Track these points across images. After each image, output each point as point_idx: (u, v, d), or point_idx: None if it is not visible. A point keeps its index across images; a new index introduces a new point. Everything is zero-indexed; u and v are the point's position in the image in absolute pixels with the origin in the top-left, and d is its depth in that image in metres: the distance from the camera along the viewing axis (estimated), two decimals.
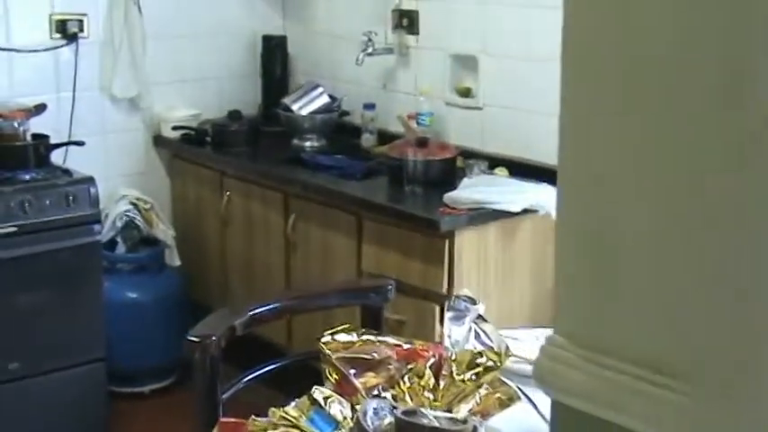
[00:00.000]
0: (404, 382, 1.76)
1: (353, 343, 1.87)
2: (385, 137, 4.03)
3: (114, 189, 4.10)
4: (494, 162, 3.60)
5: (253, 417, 1.66)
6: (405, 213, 3.29)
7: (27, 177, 3.56)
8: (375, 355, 1.82)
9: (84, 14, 4.06)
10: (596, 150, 1.00)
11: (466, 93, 3.86)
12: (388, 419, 1.57)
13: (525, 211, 3.23)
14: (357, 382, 1.76)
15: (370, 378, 1.77)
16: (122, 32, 4.09)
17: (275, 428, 1.64)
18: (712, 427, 0.91)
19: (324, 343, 1.85)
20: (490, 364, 1.73)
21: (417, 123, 3.84)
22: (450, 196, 3.24)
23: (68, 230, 3.54)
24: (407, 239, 3.26)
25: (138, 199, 4.06)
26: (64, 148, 3.89)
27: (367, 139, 4.13)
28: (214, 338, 1.90)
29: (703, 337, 0.91)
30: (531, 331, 2.14)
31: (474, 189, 3.29)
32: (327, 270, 3.58)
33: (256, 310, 2.04)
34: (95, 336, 3.65)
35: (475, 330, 1.82)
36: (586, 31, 0.98)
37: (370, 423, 1.55)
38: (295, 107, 4.22)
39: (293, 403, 1.73)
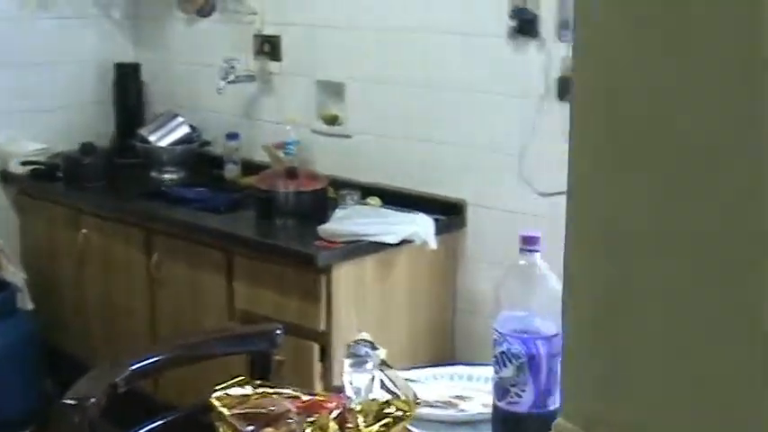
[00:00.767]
0: None
1: (248, 397, 1.75)
2: (250, 167, 3.91)
3: None
4: (366, 191, 3.54)
5: None
6: (278, 248, 3.19)
7: None
8: (273, 408, 1.71)
9: None
10: (608, 207, 0.90)
11: (333, 120, 3.79)
12: None
13: (402, 242, 3.18)
14: None
15: None
16: None
17: None
18: None
19: (216, 398, 1.72)
20: (399, 413, 1.65)
21: (284, 153, 3.74)
22: (324, 229, 3.16)
23: None
24: (282, 275, 3.16)
25: None
26: None
27: (230, 170, 4.01)
28: (93, 400, 1.75)
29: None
30: (428, 371, 2.07)
31: (349, 221, 3.21)
32: (197, 311, 3.43)
33: (138, 365, 1.89)
34: None
35: (379, 377, 1.73)
36: (594, 82, 0.90)
37: None
38: (153, 138, 4.05)
39: None
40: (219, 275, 3.35)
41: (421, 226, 3.21)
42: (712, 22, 0.77)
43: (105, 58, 4.35)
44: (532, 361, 1.67)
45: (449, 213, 3.41)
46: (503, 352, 1.70)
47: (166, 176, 4.02)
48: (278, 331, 2.11)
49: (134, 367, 1.88)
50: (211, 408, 1.72)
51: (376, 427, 1.65)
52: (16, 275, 3.84)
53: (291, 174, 3.53)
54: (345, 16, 3.65)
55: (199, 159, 4.10)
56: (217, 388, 1.75)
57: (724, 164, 0.79)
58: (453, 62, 3.37)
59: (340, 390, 1.85)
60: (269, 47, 3.92)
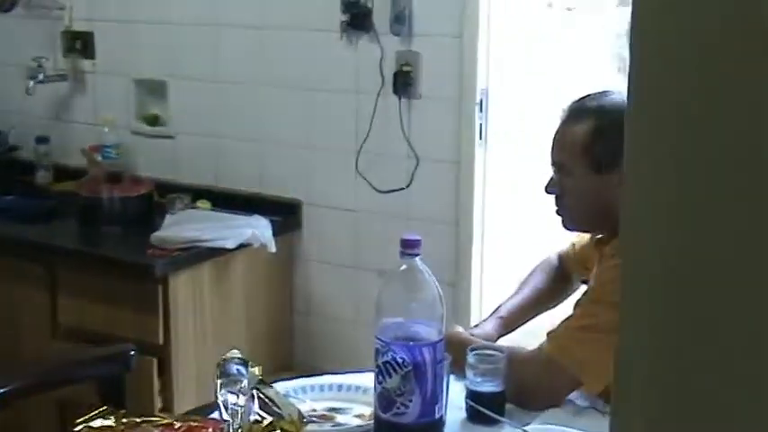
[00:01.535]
0: None
1: (113, 429, 1.62)
2: (65, 173, 3.67)
3: None
4: (195, 194, 3.39)
5: None
6: (108, 258, 3.00)
7: None
8: None
9: None
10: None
11: (154, 120, 3.61)
12: None
13: (238, 246, 3.06)
14: None
15: None
16: None
17: None
18: None
19: None
20: None
21: (103, 157, 3.52)
22: (158, 236, 2.99)
23: None
24: (113, 287, 2.97)
25: None
26: None
27: (43, 177, 3.75)
28: None
29: None
30: (295, 383, 1.98)
31: (183, 227, 3.07)
32: (18, 331, 3.17)
33: None
34: None
35: (257, 397, 1.63)
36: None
37: None
38: None
39: None
40: (40, 291, 3.11)
41: (258, 228, 3.11)
42: None
43: None
44: (418, 369, 1.62)
45: (284, 214, 3.32)
46: (387, 362, 1.63)
47: None
48: (131, 352, 1.97)
49: None
50: None
51: None
52: None
53: (114, 178, 3.34)
54: (165, 10, 3.47)
55: (7, 165, 3.81)
56: (78, 421, 1.60)
57: None
58: (284, 58, 3.27)
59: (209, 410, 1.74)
60: (80, 44, 3.68)
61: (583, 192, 1.95)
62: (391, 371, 1.63)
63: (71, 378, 1.97)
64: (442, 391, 1.66)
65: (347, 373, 2.04)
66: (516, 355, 1.87)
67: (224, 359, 1.73)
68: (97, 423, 1.61)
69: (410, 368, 1.62)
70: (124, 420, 1.63)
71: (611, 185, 1.89)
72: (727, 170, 0.71)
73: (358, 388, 1.91)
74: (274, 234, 3.15)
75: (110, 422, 1.62)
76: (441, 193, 3.08)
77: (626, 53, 3.37)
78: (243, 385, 1.66)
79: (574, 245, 2.28)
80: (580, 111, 1.97)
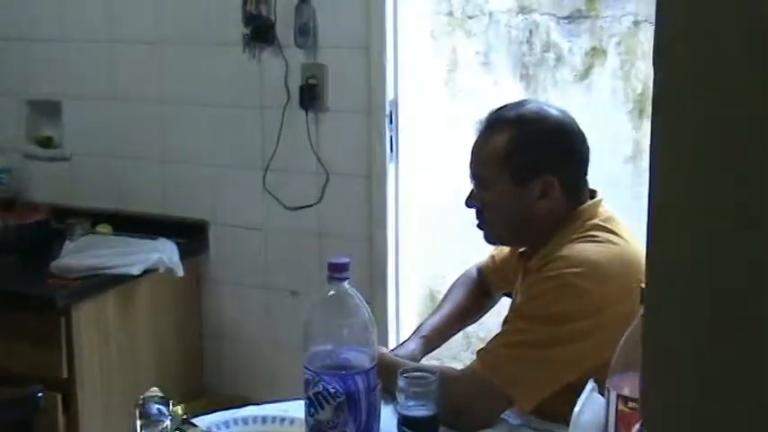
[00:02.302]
0: None
1: None
2: None
3: None
4: (95, 218, 3.25)
5: None
6: (5, 291, 2.85)
7: None
8: None
9: None
10: None
11: (47, 143, 3.46)
12: None
13: (144, 272, 2.95)
14: None
15: None
16: None
17: None
18: None
19: None
20: None
21: None
22: (57, 265, 2.86)
23: None
24: (12, 321, 2.82)
25: None
26: None
27: None
28: None
29: None
30: (217, 416, 1.89)
31: (84, 254, 2.93)
32: None
33: None
34: None
35: None
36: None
37: None
38: None
39: None
40: None
41: (164, 252, 3.01)
42: None
43: None
44: (351, 399, 1.56)
45: (190, 235, 3.21)
46: (318, 392, 1.56)
47: None
48: (39, 394, 1.85)
49: None
50: None
51: None
52: None
53: (6, 205, 3.19)
54: (58, 27, 3.33)
55: None
56: None
57: None
58: (184, 73, 3.17)
59: None
60: None
61: (503, 205, 1.91)
62: (323, 402, 1.56)
63: None
64: (376, 419, 1.60)
65: (270, 402, 1.96)
66: (448, 376, 1.82)
67: (143, 398, 1.63)
68: None
69: (343, 398, 1.55)
70: None
71: (531, 198, 1.87)
72: None
73: (284, 420, 1.83)
74: (181, 257, 3.05)
75: None
76: (352, 209, 3.03)
77: (528, 60, 3.38)
78: (165, 426, 1.57)
79: (494, 258, 2.25)
80: (497, 122, 1.93)
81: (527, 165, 1.87)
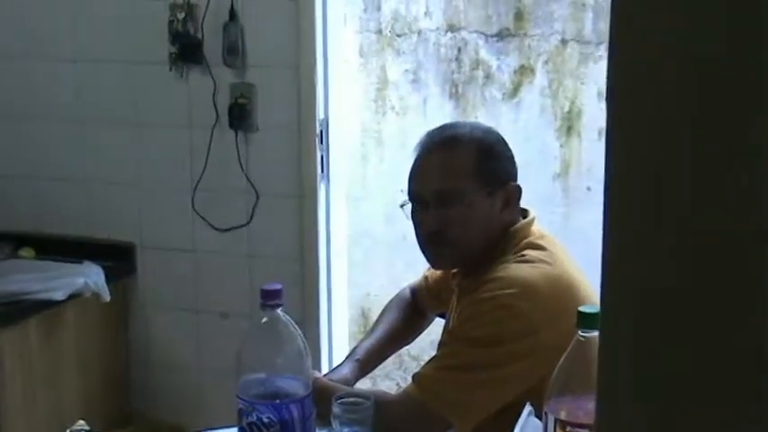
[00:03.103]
0: None
1: None
2: None
3: None
4: (17, 241, 3.17)
5: None
6: None
7: None
8: None
9: None
10: None
11: None
12: None
13: (69, 297, 2.88)
14: None
15: None
16: None
17: None
18: None
19: None
20: None
21: None
22: None
23: None
24: None
25: None
26: None
27: None
28: None
29: None
30: None
31: (5, 279, 2.86)
32: None
33: None
34: None
35: None
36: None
37: None
38: None
39: None
40: None
41: (89, 276, 2.94)
42: None
43: None
44: (286, 428, 1.52)
45: (116, 258, 3.15)
46: (252, 422, 1.53)
47: None
48: None
49: None
50: None
51: None
52: None
53: None
54: None
55: None
56: None
57: None
58: (111, 93, 3.11)
59: None
60: None
61: (474, 218, 1.85)
62: None
63: None
64: None
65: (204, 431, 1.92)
66: (383, 401, 1.80)
67: (71, 430, 1.58)
68: None
69: (277, 427, 1.52)
70: None
71: (496, 210, 1.86)
72: None
73: None
74: (107, 281, 2.98)
75: None
76: (283, 230, 2.99)
77: (456, 78, 3.40)
78: None
79: (427, 278, 2.24)
80: (454, 138, 1.90)
81: (495, 173, 1.86)
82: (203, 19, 2.91)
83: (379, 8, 3.41)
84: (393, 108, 3.45)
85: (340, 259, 3.09)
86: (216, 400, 3.08)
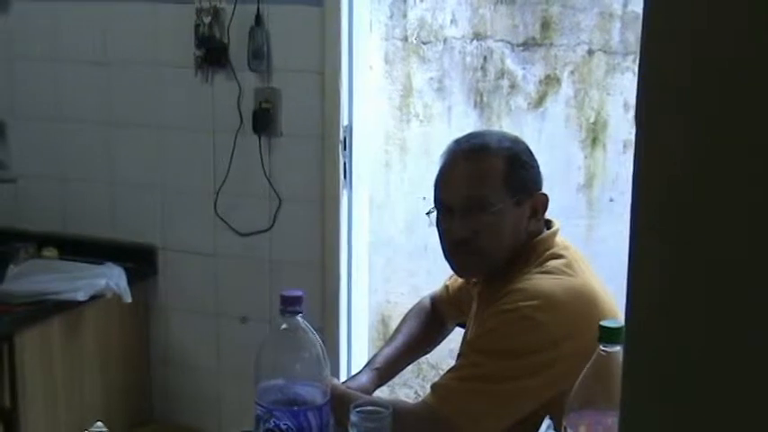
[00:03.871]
0: None
1: None
2: None
3: None
4: (41, 241, 3.18)
5: None
6: None
7: None
8: None
9: None
10: None
11: None
12: None
13: (91, 298, 2.89)
14: None
15: None
16: None
17: None
18: None
19: None
20: None
21: None
22: (1, 290, 2.79)
23: None
24: None
25: None
26: None
27: None
28: None
29: None
30: None
31: (28, 279, 2.87)
32: None
33: None
34: None
35: None
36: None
37: None
38: None
39: None
40: None
41: (111, 278, 2.95)
42: None
43: None
44: None
45: (138, 260, 3.15)
46: (270, 429, 1.52)
47: None
48: None
49: None
50: None
51: None
52: None
53: None
54: (2, 44, 3.26)
55: None
56: None
57: None
58: (136, 95, 3.12)
59: None
60: None
61: (501, 227, 1.85)
62: None
63: None
64: None
65: None
66: (401, 410, 1.79)
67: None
68: None
69: None
70: None
71: (524, 218, 1.85)
72: None
73: None
74: (129, 282, 2.99)
75: None
76: (305, 235, 2.99)
77: (481, 86, 3.38)
78: None
79: (447, 287, 2.23)
80: (483, 146, 1.89)
81: (524, 183, 1.86)
82: (229, 23, 2.91)
83: (405, 15, 3.41)
84: (417, 116, 3.44)
85: (361, 266, 3.08)
86: (234, 404, 3.09)
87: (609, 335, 1.33)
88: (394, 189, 3.51)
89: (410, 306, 2.30)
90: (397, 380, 2.87)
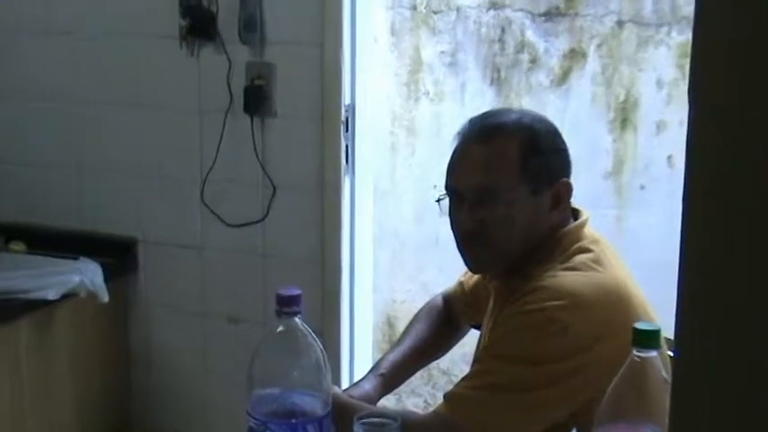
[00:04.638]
0: None
1: None
2: None
3: None
4: (7, 234, 3.20)
5: None
6: None
7: None
8: None
9: None
10: None
11: None
12: None
13: (63, 297, 2.90)
14: None
15: None
16: None
17: None
18: None
19: None
20: None
21: None
22: None
23: None
24: None
25: None
26: None
27: None
28: None
29: None
30: None
31: None
32: None
33: None
34: None
35: None
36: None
37: None
38: None
39: None
40: None
41: (86, 274, 2.97)
42: None
43: None
44: None
45: (116, 255, 3.17)
46: None
47: None
48: None
49: None
50: None
51: None
52: None
53: None
54: None
55: None
56: None
57: None
58: (112, 70, 3.13)
59: None
60: None
61: (516, 219, 1.83)
62: None
63: None
64: None
65: None
66: (411, 422, 1.78)
67: None
68: None
69: None
70: None
71: (544, 209, 1.83)
72: None
73: None
74: (106, 279, 3.00)
75: None
76: (302, 227, 3.00)
77: (499, 61, 3.37)
78: None
79: (462, 284, 2.22)
80: (497, 128, 1.88)
81: (542, 169, 1.83)
82: None
83: None
84: (427, 94, 3.44)
85: (365, 261, 3.09)
86: (221, 411, 3.11)
87: (644, 339, 1.32)
88: (401, 175, 3.51)
89: (419, 305, 2.30)
90: (404, 388, 2.86)
